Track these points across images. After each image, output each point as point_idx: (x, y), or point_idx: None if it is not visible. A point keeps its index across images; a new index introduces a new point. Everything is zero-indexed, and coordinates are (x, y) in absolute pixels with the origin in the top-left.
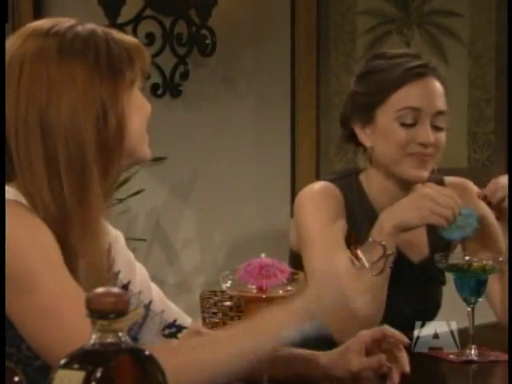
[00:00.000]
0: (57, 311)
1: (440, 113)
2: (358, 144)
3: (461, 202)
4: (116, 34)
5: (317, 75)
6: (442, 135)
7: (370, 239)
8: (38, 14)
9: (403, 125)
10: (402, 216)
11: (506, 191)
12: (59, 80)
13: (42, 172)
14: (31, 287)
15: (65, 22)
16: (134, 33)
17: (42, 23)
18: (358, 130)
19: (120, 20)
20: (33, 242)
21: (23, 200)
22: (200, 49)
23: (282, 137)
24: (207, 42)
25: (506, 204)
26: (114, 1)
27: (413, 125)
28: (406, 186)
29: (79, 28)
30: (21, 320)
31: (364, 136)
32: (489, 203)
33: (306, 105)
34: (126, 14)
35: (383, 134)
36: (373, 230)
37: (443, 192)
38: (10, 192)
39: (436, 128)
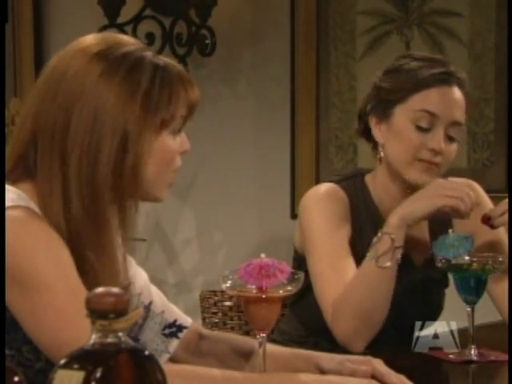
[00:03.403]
0: (61, 310)
1: (456, 123)
2: (369, 139)
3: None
4: (168, 65)
5: (317, 75)
6: (454, 147)
7: (379, 234)
8: (37, 14)
9: (418, 128)
10: (409, 207)
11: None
12: (91, 100)
13: (57, 186)
14: (36, 286)
15: (116, 46)
16: (134, 33)
17: (94, 42)
18: (372, 125)
19: (120, 20)
20: (41, 242)
21: (35, 207)
22: (200, 49)
23: (282, 136)
24: (207, 41)
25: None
26: (113, 1)
27: (427, 130)
28: (410, 188)
29: (128, 53)
30: (25, 317)
31: (378, 132)
32: (491, 226)
33: (306, 105)
34: (126, 13)
35: (397, 132)
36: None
37: (455, 180)
38: (23, 198)
39: (449, 138)
